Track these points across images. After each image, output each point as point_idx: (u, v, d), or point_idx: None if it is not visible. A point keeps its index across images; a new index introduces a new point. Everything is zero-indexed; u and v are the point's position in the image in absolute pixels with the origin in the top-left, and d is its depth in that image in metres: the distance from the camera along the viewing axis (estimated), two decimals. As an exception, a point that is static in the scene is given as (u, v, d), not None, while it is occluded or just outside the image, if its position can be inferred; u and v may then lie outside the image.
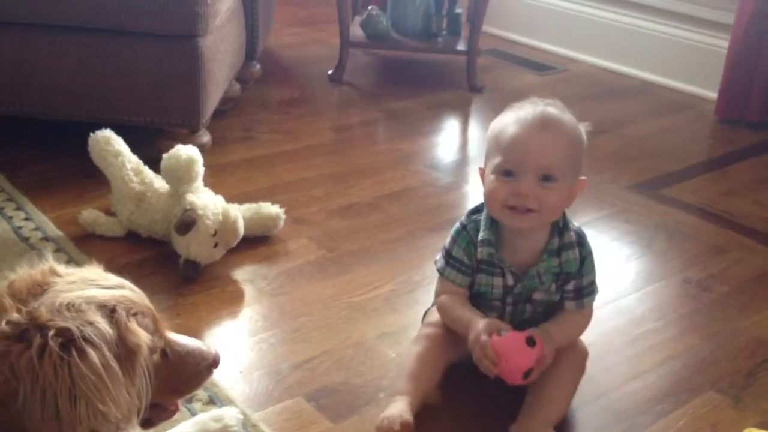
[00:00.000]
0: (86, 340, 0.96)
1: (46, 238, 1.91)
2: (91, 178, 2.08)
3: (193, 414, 1.38)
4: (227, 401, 1.44)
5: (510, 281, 1.46)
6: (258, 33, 2.77)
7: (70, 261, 1.81)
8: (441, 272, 1.51)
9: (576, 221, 2.15)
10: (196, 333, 1.63)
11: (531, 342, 1.37)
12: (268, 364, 1.57)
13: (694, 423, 1.49)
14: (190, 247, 1.79)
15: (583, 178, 1.46)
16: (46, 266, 1.05)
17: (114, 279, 1.08)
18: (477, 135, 2.85)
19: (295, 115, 2.83)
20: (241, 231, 1.87)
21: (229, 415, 1.36)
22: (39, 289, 1.01)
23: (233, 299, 1.78)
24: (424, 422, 1.43)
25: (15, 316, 0.97)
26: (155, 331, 1.09)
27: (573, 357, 1.49)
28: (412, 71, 3.40)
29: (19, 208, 2.03)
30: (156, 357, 1.08)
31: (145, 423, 1.11)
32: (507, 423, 1.41)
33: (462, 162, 2.60)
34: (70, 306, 0.99)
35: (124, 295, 1.06)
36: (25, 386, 0.93)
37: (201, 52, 2.17)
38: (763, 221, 2.26)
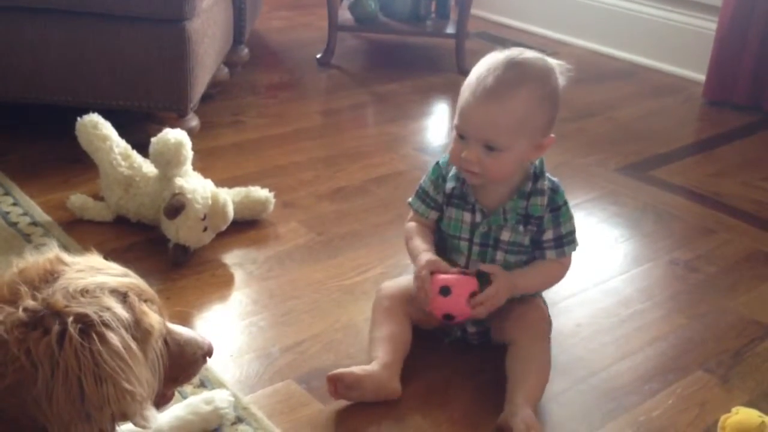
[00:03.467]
0: (105, 324, 0.97)
1: (34, 224, 1.90)
2: (79, 162, 2.07)
3: (185, 397, 1.38)
4: (218, 384, 1.44)
5: (478, 218, 1.51)
6: (246, 16, 2.75)
7: (59, 246, 1.81)
8: (410, 204, 1.60)
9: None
10: (186, 317, 1.63)
11: (445, 292, 1.43)
12: (258, 348, 1.58)
13: (682, 402, 1.50)
14: (179, 232, 1.79)
15: (552, 135, 1.49)
16: (52, 255, 1.06)
17: (118, 267, 1.09)
18: (466, 118, 2.85)
19: (283, 98, 2.82)
20: (231, 215, 1.87)
21: (220, 397, 1.37)
22: (50, 276, 1.01)
23: (223, 283, 1.78)
24: (415, 415, 1.44)
25: (31, 303, 0.97)
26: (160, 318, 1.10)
27: (532, 328, 1.51)
28: (401, 54, 3.39)
29: (6, 194, 2.02)
30: (160, 344, 1.09)
31: None
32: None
33: (451, 145, 2.59)
34: (84, 292, 0.99)
35: (133, 282, 1.07)
36: (45, 372, 0.93)
37: (188, 35, 2.15)
38: (750, 202, 2.27)
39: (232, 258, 1.87)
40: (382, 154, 2.43)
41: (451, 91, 3.03)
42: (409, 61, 3.31)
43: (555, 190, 1.51)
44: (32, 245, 1.80)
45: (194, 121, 2.33)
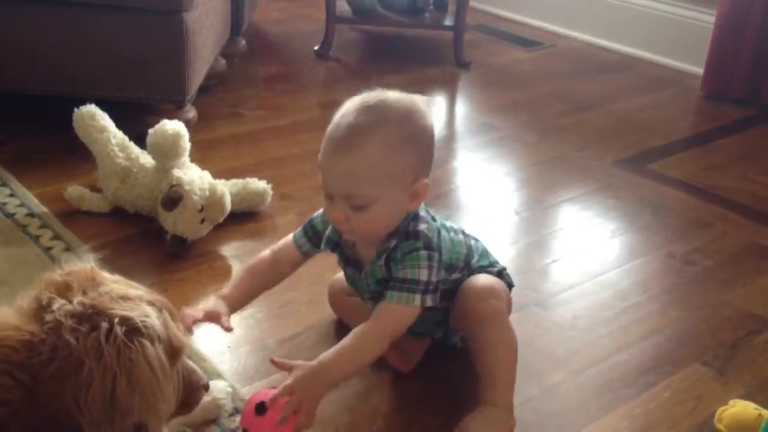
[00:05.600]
0: (147, 332, 1.02)
1: (31, 215, 1.90)
2: (76, 154, 2.06)
3: (182, 388, 1.38)
4: (215, 376, 1.45)
5: (350, 272, 1.45)
6: (244, 8, 2.75)
7: (56, 238, 1.81)
8: (294, 235, 1.49)
9: (561, 197, 2.19)
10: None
11: (260, 409, 1.22)
12: (256, 340, 1.58)
13: (678, 395, 1.50)
14: (177, 223, 1.79)
15: (425, 181, 1.34)
16: (89, 266, 1.11)
17: (144, 288, 1.13)
18: (463, 111, 2.85)
19: (281, 90, 2.82)
20: (228, 207, 1.87)
21: (218, 388, 1.37)
22: (92, 282, 1.07)
23: (220, 275, 1.78)
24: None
25: (82, 298, 1.02)
26: None
27: (480, 317, 1.39)
28: (399, 47, 3.39)
29: (3, 185, 2.02)
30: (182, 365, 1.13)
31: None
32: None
33: (449, 138, 2.60)
34: (126, 298, 1.05)
35: (163, 300, 1.12)
36: (90, 365, 0.97)
37: (186, 26, 2.15)
38: (746, 195, 2.27)
39: (229, 250, 1.87)
40: (379, 147, 2.43)
41: (449, 83, 3.04)
42: (407, 53, 3.30)
43: (396, 247, 1.34)
44: (32, 238, 1.80)
45: (192, 113, 2.33)
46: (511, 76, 3.07)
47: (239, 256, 1.84)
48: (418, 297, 1.32)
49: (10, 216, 1.89)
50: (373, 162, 1.27)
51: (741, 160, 2.50)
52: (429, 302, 1.34)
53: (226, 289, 1.46)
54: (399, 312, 1.33)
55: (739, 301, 1.79)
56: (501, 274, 1.51)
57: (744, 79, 2.89)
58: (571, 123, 2.69)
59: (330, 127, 1.33)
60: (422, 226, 1.36)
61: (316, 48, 3.17)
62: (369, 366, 1.50)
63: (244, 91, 2.78)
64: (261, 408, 1.21)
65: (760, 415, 1.37)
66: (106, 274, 1.11)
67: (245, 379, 1.47)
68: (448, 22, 3.19)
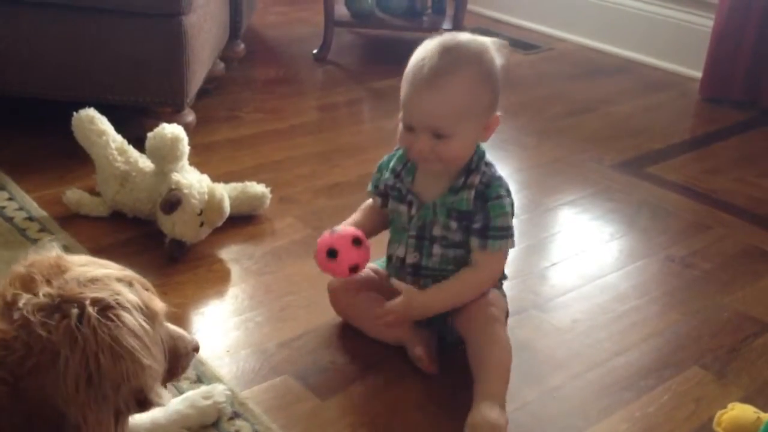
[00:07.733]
0: (120, 305, 1.03)
1: (30, 219, 1.90)
2: (75, 157, 2.06)
3: (181, 392, 1.38)
4: (215, 380, 1.44)
5: (413, 210, 1.52)
6: (242, 11, 2.75)
7: (59, 245, 1.81)
8: (369, 188, 1.63)
9: (560, 200, 2.19)
10: (182, 312, 1.63)
11: (356, 242, 1.50)
12: (255, 343, 1.58)
13: (677, 398, 1.50)
14: (175, 227, 1.79)
15: (498, 113, 1.48)
16: (54, 253, 1.11)
17: (115, 264, 1.14)
18: (462, 114, 2.85)
19: (279, 94, 2.82)
20: (227, 210, 1.87)
21: (218, 391, 1.37)
22: (57, 269, 1.06)
23: (219, 278, 1.78)
24: (413, 411, 1.45)
25: (48, 289, 1.02)
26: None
27: (478, 321, 1.48)
28: (397, 50, 3.37)
29: (2, 189, 2.02)
30: (164, 327, 1.15)
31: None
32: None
33: (447, 141, 2.59)
34: (94, 280, 1.05)
35: (133, 274, 1.13)
36: (65, 353, 0.98)
37: (184, 30, 2.15)
38: (745, 198, 2.28)
39: (228, 253, 1.87)
40: (378, 150, 2.41)
41: (448, 86, 3.03)
42: (405, 56, 3.27)
43: (488, 185, 1.48)
44: (30, 241, 1.80)
45: (191, 116, 2.33)
46: (509, 79, 3.06)
47: (238, 259, 1.84)
48: (512, 241, 1.50)
49: (9, 220, 1.89)
50: (457, 100, 1.42)
51: (739, 163, 2.50)
52: (514, 244, 1.52)
53: (351, 220, 1.61)
54: (499, 258, 1.52)
55: (738, 304, 1.79)
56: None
57: (742, 82, 2.89)
58: (569, 126, 2.69)
59: (411, 68, 1.49)
60: (499, 172, 1.52)
61: (314, 51, 3.17)
62: (368, 368, 1.51)
63: (242, 95, 2.78)
64: (357, 241, 1.49)
65: (758, 418, 1.38)
66: (72, 258, 1.10)
67: (244, 383, 1.47)
68: (447, 25, 3.19)
